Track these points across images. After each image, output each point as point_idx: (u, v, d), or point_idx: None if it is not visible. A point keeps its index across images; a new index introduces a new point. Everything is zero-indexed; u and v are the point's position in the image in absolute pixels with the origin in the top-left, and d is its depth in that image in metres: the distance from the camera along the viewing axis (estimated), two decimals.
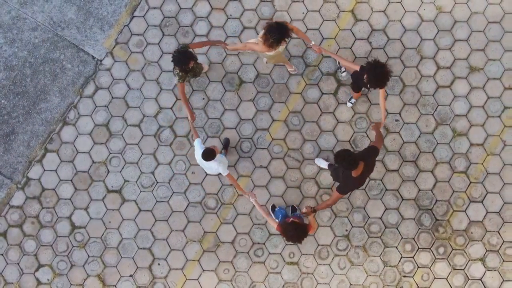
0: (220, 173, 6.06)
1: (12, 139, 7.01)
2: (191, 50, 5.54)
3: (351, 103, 6.77)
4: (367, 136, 6.84)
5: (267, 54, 5.74)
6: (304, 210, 5.62)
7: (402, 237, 6.78)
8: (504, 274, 6.70)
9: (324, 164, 6.72)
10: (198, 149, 5.66)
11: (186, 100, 5.85)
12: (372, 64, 5.17)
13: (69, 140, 6.98)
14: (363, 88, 6.31)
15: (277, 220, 5.50)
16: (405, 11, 6.92)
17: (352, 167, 4.99)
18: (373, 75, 5.16)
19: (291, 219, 5.34)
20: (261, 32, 5.46)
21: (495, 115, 6.79)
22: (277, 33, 5.26)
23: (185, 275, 6.82)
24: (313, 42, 5.78)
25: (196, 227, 6.86)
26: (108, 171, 6.93)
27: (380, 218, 6.79)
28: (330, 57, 6.90)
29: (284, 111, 6.91)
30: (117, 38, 7.05)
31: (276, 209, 6.59)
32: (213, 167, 5.66)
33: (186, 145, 6.91)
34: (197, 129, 6.90)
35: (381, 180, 6.80)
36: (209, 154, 5.46)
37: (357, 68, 5.44)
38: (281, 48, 5.65)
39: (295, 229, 5.10)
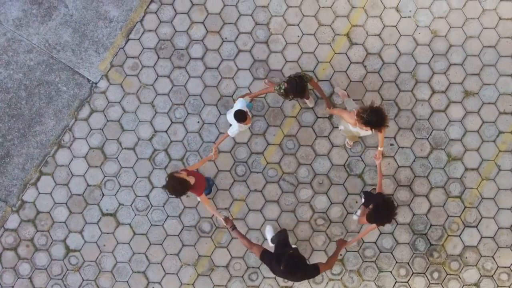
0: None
1: (7, 161, 7.01)
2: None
3: (357, 215, 6.62)
4: (362, 160, 6.84)
5: (350, 128, 5.74)
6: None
7: (396, 262, 6.77)
8: None
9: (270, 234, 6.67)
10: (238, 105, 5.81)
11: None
12: (379, 205, 5.19)
13: (64, 163, 6.98)
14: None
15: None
16: (400, 35, 6.92)
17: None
18: (377, 214, 5.18)
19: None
20: (360, 109, 5.28)
21: (490, 139, 6.79)
22: (374, 119, 5.17)
23: None
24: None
25: (190, 251, 6.86)
26: (103, 195, 6.93)
27: (375, 242, 6.78)
28: (325, 80, 6.90)
29: (279, 134, 6.91)
30: (112, 61, 7.05)
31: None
32: (233, 127, 5.83)
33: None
34: (192, 153, 6.90)
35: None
36: (241, 116, 5.60)
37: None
38: (364, 132, 5.66)
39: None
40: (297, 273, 4.97)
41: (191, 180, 5.55)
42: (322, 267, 5.16)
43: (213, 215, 6.71)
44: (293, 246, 6.23)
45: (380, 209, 5.16)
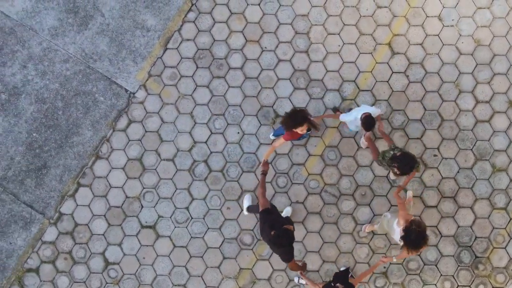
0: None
1: (44, 173, 6.92)
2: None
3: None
4: None
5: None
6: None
7: (441, 274, 6.69)
8: None
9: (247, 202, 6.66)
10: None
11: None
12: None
13: (102, 174, 6.88)
14: None
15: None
16: (443, 44, 6.83)
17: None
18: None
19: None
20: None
21: None
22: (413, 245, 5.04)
23: None
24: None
25: (231, 264, 6.77)
26: (142, 206, 6.84)
27: (419, 255, 6.70)
28: (367, 90, 6.82)
29: (320, 145, 6.82)
30: (150, 71, 6.96)
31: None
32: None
33: (221, 180, 6.81)
34: (232, 164, 6.82)
35: (420, 216, 6.71)
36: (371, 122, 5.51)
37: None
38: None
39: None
40: (281, 248, 5.00)
41: None
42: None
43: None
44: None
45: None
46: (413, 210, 6.68)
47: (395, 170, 5.24)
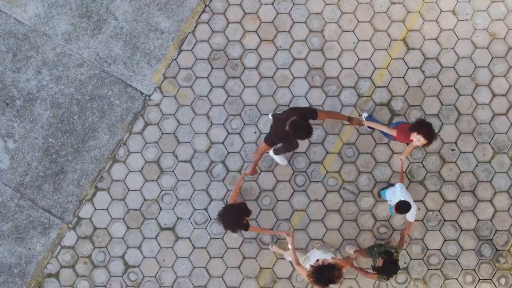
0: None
1: (62, 178, 6.91)
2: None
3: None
4: (423, 166, 6.74)
5: None
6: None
7: (462, 269, 6.68)
8: None
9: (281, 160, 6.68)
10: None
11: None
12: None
13: (119, 177, 6.88)
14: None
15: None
16: (458, 39, 6.83)
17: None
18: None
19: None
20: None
21: None
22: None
23: None
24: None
25: (252, 263, 6.76)
26: (161, 209, 6.83)
27: (439, 249, 6.69)
28: (383, 87, 6.81)
29: (338, 143, 6.81)
30: (165, 73, 6.96)
31: None
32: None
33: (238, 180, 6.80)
34: (250, 163, 6.80)
35: (439, 211, 6.70)
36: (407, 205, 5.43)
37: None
38: None
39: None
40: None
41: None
42: None
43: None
44: None
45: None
46: (433, 204, 6.68)
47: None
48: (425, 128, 5.34)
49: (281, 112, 5.78)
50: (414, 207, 5.49)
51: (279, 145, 6.19)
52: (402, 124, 5.93)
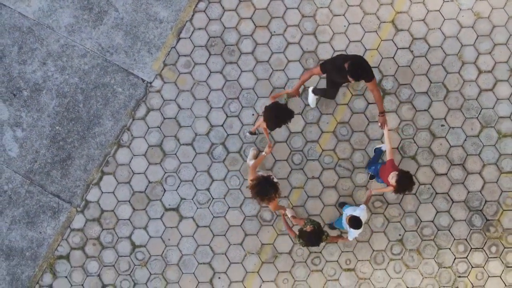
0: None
1: (69, 164, 7.22)
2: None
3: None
4: (415, 142, 7.05)
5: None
6: (379, 125, 6.04)
7: (454, 239, 6.98)
8: None
9: (312, 97, 6.88)
10: (352, 233, 5.94)
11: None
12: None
13: (124, 162, 7.18)
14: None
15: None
16: (444, 19, 7.13)
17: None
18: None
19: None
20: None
21: None
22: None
23: (245, 287, 7.02)
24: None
25: (253, 240, 7.06)
26: (165, 190, 7.14)
27: (432, 221, 6.99)
28: (374, 67, 7.09)
29: (332, 122, 7.12)
30: (165, 60, 7.26)
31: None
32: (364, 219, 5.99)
33: (239, 161, 7.11)
34: (248, 145, 7.11)
35: (431, 184, 7.00)
36: (358, 222, 5.76)
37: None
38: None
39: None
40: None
41: None
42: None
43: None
44: None
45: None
46: (425, 178, 6.98)
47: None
48: (404, 182, 5.64)
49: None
50: (360, 230, 5.86)
51: (323, 76, 6.47)
52: (384, 165, 6.18)
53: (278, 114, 5.64)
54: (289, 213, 6.55)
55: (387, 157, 5.89)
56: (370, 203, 7.01)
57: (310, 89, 6.86)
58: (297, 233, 5.76)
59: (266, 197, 5.46)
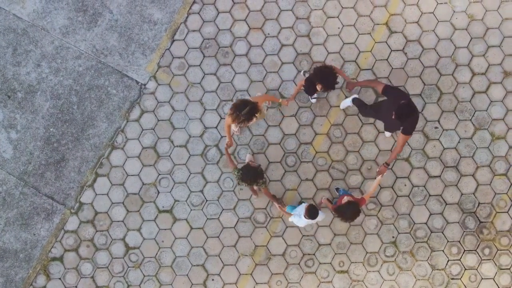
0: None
1: (63, 165, 7.22)
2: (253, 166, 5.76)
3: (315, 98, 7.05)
4: (408, 144, 7.05)
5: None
6: (377, 171, 6.02)
7: (448, 241, 6.99)
8: None
9: (349, 102, 6.85)
10: (297, 219, 6.05)
11: (273, 197, 6.31)
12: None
13: (118, 163, 7.19)
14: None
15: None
16: (438, 21, 7.14)
17: (414, 112, 5.45)
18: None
19: (345, 197, 5.74)
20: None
21: None
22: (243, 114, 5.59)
23: None
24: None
25: (247, 242, 7.07)
26: (158, 192, 7.14)
27: (426, 223, 7.00)
28: (367, 69, 7.12)
29: (326, 124, 7.12)
30: (159, 62, 7.26)
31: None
32: (319, 219, 6.04)
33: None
34: (242, 146, 7.11)
35: (424, 186, 7.01)
36: (314, 211, 5.78)
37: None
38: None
39: (350, 208, 5.54)
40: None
41: None
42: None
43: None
44: None
45: (323, 77, 5.66)
46: (418, 180, 6.98)
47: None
48: (343, 211, 5.65)
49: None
50: (307, 221, 5.95)
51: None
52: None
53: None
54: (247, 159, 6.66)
55: (364, 196, 5.89)
56: (364, 205, 6.99)
57: (350, 99, 6.80)
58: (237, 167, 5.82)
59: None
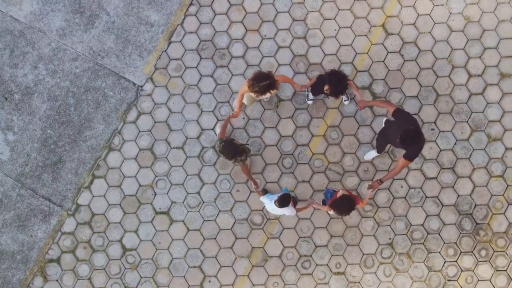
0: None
1: (60, 167, 7.23)
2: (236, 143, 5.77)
3: (311, 100, 7.05)
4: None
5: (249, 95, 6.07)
6: (369, 184, 6.00)
7: (444, 242, 6.99)
8: None
9: (373, 153, 6.88)
10: (268, 201, 5.99)
11: (250, 175, 6.28)
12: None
13: (115, 165, 7.20)
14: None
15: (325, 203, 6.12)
16: (435, 23, 7.14)
17: (419, 140, 5.39)
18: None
19: (340, 191, 5.82)
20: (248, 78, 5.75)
21: None
22: (260, 85, 5.59)
23: None
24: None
25: (244, 243, 7.07)
26: (155, 194, 7.15)
27: (422, 225, 7.00)
28: (364, 71, 7.13)
29: (322, 126, 7.13)
30: (156, 64, 7.27)
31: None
32: (287, 211, 5.96)
33: (229, 165, 7.12)
34: None
35: (421, 188, 7.01)
36: (286, 200, 5.77)
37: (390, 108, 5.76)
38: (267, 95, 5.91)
39: (345, 202, 5.58)
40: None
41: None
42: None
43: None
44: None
45: (333, 80, 5.66)
46: (415, 182, 6.99)
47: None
48: (338, 205, 5.69)
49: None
50: (275, 208, 5.90)
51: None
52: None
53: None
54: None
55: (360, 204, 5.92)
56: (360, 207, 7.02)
57: (375, 151, 6.83)
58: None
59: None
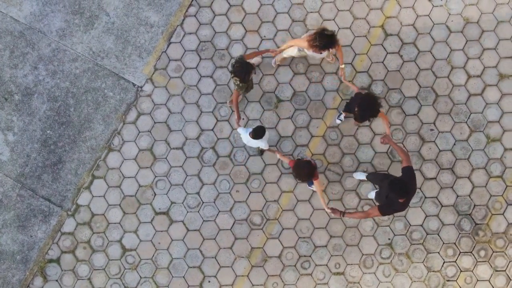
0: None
1: (60, 168, 7.25)
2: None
3: (340, 120, 7.00)
4: (404, 146, 7.07)
5: (305, 51, 6.13)
6: (330, 210, 5.90)
7: (443, 243, 7.00)
8: None
9: (362, 176, 6.93)
10: (244, 132, 6.09)
11: (237, 106, 6.25)
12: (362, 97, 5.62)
13: (115, 166, 7.21)
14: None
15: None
16: (434, 24, 7.16)
17: (404, 196, 5.24)
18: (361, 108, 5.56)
19: (307, 159, 5.89)
20: (310, 33, 5.87)
21: None
22: (324, 41, 5.64)
23: None
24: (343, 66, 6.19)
25: (243, 244, 7.09)
26: (155, 194, 7.16)
27: (421, 225, 7.01)
28: (363, 72, 7.14)
29: (322, 126, 7.14)
30: (156, 65, 7.28)
31: None
32: (260, 144, 6.11)
33: (229, 165, 7.14)
34: (239, 149, 7.13)
35: (420, 188, 7.02)
36: (260, 132, 5.86)
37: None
38: (323, 54, 6.01)
39: (306, 167, 5.61)
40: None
41: None
42: (409, 163, 5.50)
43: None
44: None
45: (364, 105, 5.56)
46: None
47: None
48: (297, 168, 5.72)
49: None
50: (250, 139, 6.03)
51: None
52: None
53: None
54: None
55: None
56: (359, 207, 7.03)
57: (364, 174, 6.84)
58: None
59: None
